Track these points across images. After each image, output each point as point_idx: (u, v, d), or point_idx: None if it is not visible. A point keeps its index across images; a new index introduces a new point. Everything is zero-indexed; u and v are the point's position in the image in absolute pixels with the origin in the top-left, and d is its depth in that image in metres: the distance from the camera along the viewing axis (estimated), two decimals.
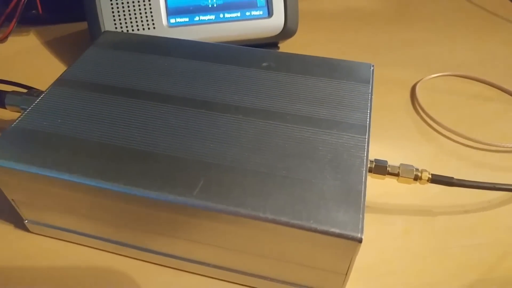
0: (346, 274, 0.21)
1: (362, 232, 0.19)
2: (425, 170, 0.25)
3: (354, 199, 0.20)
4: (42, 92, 0.30)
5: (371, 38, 0.46)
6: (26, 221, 0.26)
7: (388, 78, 0.40)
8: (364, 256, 0.25)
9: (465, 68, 0.41)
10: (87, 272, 0.24)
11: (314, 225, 0.19)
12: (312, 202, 0.20)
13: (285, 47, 0.41)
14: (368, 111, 0.25)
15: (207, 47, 0.30)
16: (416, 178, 0.25)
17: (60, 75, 0.27)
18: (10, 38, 0.44)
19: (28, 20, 0.45)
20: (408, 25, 0.48)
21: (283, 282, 0.23)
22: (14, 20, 0.42)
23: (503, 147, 0.32)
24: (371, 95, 0.26)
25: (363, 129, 0.24)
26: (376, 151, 0.32)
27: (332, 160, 0.22)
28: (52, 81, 0.27)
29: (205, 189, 0.20)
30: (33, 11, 0.45)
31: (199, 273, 0.24)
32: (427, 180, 0.25)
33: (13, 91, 0.30)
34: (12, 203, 0.25)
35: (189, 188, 0.20)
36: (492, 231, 0.27)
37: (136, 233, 0.23)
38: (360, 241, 0.19)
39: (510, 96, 0.38)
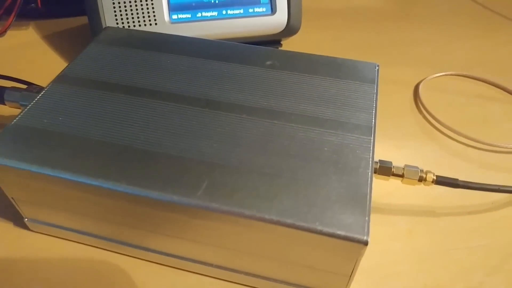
0: (351, 275, 0.21)
1: (368, 235, 0.19)
2: (430, 172, 0.25)
3: (360, 201, 0.20)
4: (42, 88, 0.29)
5: (374, 36, 0.45)
6: (26, 219, 0.25)
7: (391, 77, 0.39)
8: (367, 257, 0.25)
9: (468, 68, 0.41)
10: (87, 271, 0.24)
11: (320, 228, 0.19)
12: (317, 204, 0.19)
13: (287, 44, 0.41)
14: (373, 111, 0.25)
15: (211, 45, 0.29)
16: (421, 180, 0.25)
17: (61, 72, 0.27)
18: (8, 32, 0.43)
19: (27, 14, 0.45)
20: (411, 24, 0.48)
21: (287, 283, 0.23)
22: (13, 13, 0.42)
23: (506, 148, 0.32)
24: (376, 96, 0.26)
25: (368, 130, 0.23)
26: (378, 150, 0.31)
27: (337, 162, 0.22)
28: (51, 77, 0.27)
29: (209, 190, 0.20)
30: (32, 5, 0.45)
31: (202, 273, 0.24)
32: (432, 182, 0.25)
33: (12, 87, 0.30)
34: (12, 201, 0.24)
35: (193, 188, 0.20)
36: (496, 232, 0.27)
37: (137, 233, 0.23)
38: (366, 243, 0.19)
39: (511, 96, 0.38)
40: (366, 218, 0.19)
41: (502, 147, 0.32)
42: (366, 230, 0.19)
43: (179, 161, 0.21)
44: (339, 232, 0.19)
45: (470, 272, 0.25)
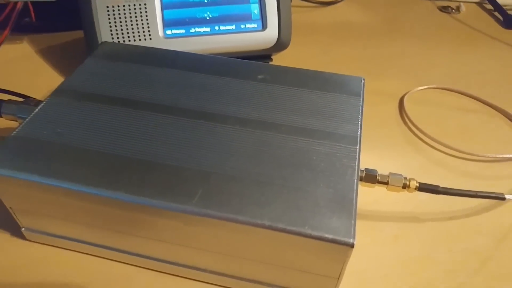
0: (339, 278, 0.22)
1: (354, 238, 0.20)
2: (413, 179, 0.27)
3: (346, 207, 0.21)
4: (39, 101, 0.30)
5: (360, 51, 0.47)
6: (23, 229, 0.26)
7: (377, 90, 0.41)
8: (355, 261, 0.26)
9: (449, 81, 0.43)
10: (84, 279, 0.25)
11: (309, 231, 0.20)
12: (307, 210, 0.21)
13: (278, 59, 0.42)
14: (359, 122, 0.26)
15: (205, 59, 0.31)
16: (405, 187, 0.26)
17: (59, 85, 0.28)
18: (2, 46, 0.44)
19: (21, 28, 0.46)
20: (395, 40, 0.50)
21: (278, 287, 0.24)
22: (8, 28, 0.42)
23: (483, 156, 0.34)
24: (362, 108, 0.27)
25: (354, 140, 0.25)
26: (365, 160, 0.33)
27: (325, 169, 0.23)
28: (46, 90, 0.28)
29: (204, 197, 0.21)
30: (26, 19, 0.45)
31: (196, 279, 0.25)
32: (415, 188, 0.26)
33: (9, 99, 0.30)
34: (10, 211, 0.25)
35: (189, 196, 0.21)
36: (475, 236, 0.28)
37: (135, 240, 0.24)
38: (352, 246, 0.20)
39: (490, 108, 0.40)
40: (352, 222, 0.20)
41: (480, 156, 0.34)
42: (352, 233, 0.20)
43: (175, 170, 0.22)
44: (326, 235, 0.20)
45: (451, 274, 0.26)
